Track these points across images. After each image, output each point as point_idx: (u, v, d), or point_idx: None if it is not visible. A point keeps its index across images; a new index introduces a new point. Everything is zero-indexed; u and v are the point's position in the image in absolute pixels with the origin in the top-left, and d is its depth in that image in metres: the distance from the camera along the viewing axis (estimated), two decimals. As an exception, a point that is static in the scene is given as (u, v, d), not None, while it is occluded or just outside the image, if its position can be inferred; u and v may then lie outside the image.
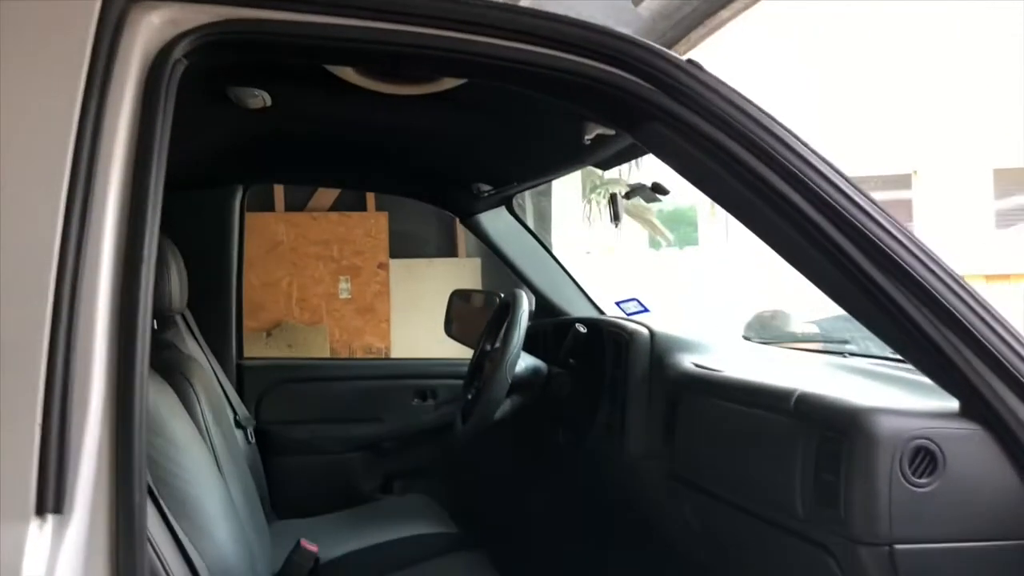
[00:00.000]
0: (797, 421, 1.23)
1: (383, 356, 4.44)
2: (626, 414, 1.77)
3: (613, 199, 2.00)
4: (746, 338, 2.26)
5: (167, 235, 2.02)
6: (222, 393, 2.29)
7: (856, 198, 1.09)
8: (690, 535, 1.70)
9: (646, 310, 2.63)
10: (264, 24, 1.06)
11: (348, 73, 1.44)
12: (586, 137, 1.61)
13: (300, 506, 2.45)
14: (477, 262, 4.52)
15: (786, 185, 1.10)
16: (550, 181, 2.47)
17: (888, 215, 1.10)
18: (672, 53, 1.16)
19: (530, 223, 3.01)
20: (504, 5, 1.14)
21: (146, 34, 1.01)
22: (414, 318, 4.36)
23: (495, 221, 2.57)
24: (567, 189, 4.54)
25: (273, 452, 2.52)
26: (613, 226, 2.03)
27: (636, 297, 2.65)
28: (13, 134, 0.91)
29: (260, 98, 1.75)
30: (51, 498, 0.83)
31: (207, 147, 2.14)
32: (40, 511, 0.82)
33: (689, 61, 1.16)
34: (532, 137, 1.90)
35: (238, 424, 2.32)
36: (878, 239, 1.07)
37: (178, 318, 2.25)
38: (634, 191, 1.92)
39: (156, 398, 1.42)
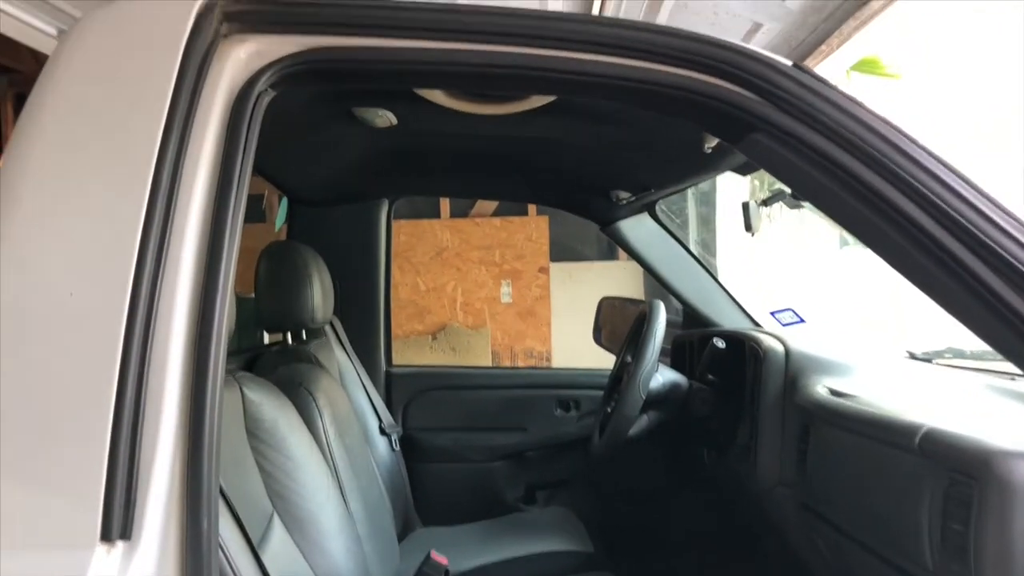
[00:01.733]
0: (924, 460, 1.10)
1: (544, 360, 4.45)
2: (758, 438, 1.66)
3: (746, 207, 1.88)
4: (911, 356, 2.07)
5: (315, 248, 2.10)
6: (367, 401, 2.36)
7: (991, 214, 0.96)
8: (826, 568, 1.57)
9: (802, 320, 2.47)
10: (348, 52, 1.06)
11: (438, 96, 1.43)
12: (706, 146, 1.52)
13: (444, 513, 2.49)
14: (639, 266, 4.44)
15: (907, 201, 0.98)
16: (688, 188, 2.36)
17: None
18: (774, 57, 1.07)
19: (692, 229, 2.92)
20: (590, 18, 1.09)
21: (233, 67, 1.02)
22: (575, 322, 4.34)
23: (636, 228, 2.50)
24: (733, 193, 4.36)
25: (418, 459, 2.57)
26: (749, 235, 1.91)
27: (792, 307, 2.50)
28: (99, 163, 0.95)
29: (385, 117, 1.78)
30: (118, 524, 0.85)
31: (346, 164, 2.20)
32: (106, 537, 0.85)
33: (795, 65, 1.06)
34: (659, 145, 1.82)
35: (382, 431, 2.38)
36: (1018, 260, 0.93)
37: (327, 328, 2.34)
38: (773, 197, 1.80)
39: (276, 414, 1.47)
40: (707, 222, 4.44)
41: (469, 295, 4.50)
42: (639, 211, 2.47)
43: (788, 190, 1.80)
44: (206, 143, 0.98)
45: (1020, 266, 0.93)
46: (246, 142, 1.00)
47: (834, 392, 1.48)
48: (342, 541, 1.51)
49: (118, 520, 0.86)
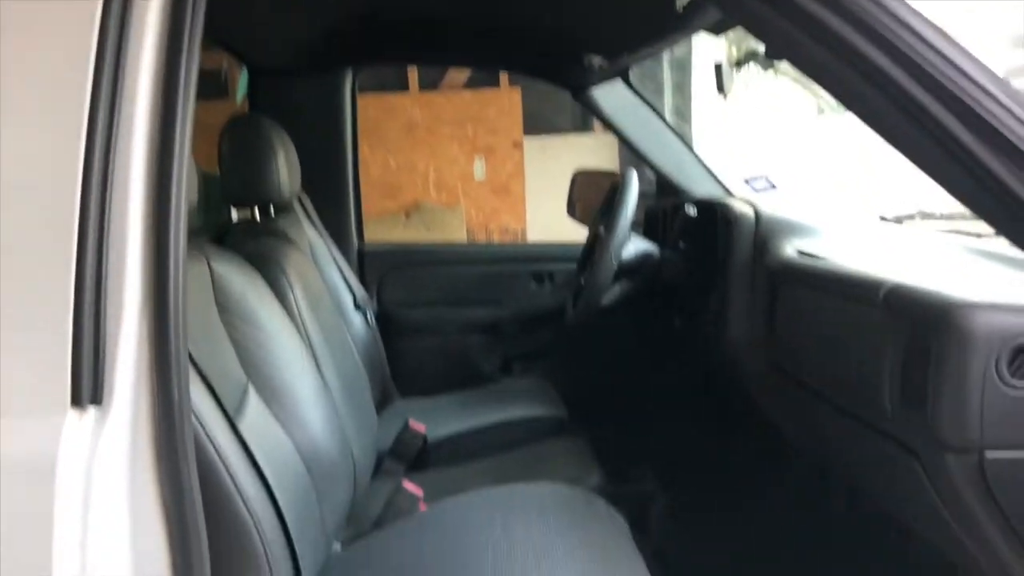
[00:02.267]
0: (888, 315, 1.11)
1: (519, 237, 4.45)
2: (728, 301, 1.68)
3: (719, 69, 1.84)
4: (883, 219, 2.08)
5: (279, 123, 2.05)
6: (339, 277, 2.36)
7: (965, 67, 0.94)
8: (795, 427, 1.62)
9: (774, 187, 2.47)
10: None
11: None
12: (679, 3, 1.47)
13: (422, 385, 2.53)
14: (613, 137, 4.38)
15: (881, 54, 0.95)
16: (663, 50, 2.29)
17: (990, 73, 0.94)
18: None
19: (667, 96, 2.87)
20: None
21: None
22: (549, 197, 4.31)
23: (610, 95, 2.45)
24: (708, 60, 4.26)
25: (395, 334, 2.59)
26: (722, 97, 1.88)
27: (764, 173, 2.49)
28: (39, 33, 0.91)
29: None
30: (88, 389, 0.85)
31: (308, 27, 2.13)
32: (77, 402, 0.85)
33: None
34: (632, 2, 1.77)
35: (357, 306, 2.39)
36: (991, 116, 0.92)
37: (295, 203, 2.31)
38: (747, 57, 1.77)
39: (245, 286, 1.46)
40: (681, 89, 4.37)
41: (442, 172, 4.45)
42: (612, 77, 2.42)
43: (761, 50, 1.76)
44: (152, 3, 0.94)
45: (993, 122, 0.92)
46: (195, 2, 0.95)
47: (803, 253, 1.49)
48: (319, 411, 1.53)
49: (87, 385, 0.86)
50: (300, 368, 1.52)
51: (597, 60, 2.30)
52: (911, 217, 2.05)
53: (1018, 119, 0.90)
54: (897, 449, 1.12)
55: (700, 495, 2.05)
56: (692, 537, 1.90)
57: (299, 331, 1.61)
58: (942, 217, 1.96)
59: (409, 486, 1.63)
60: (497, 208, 4.47)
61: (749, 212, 1.70)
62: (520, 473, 1.81)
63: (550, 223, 4.29)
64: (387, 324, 2.57)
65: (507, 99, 4.41)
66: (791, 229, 1.64)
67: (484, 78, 4.39)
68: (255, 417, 1.36)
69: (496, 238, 4.47)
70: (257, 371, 1.43)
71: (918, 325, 1.06)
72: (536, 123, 4.45)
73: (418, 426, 2.02)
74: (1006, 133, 0.89)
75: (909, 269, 1.24)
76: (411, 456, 2.00)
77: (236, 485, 1.03)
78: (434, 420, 2.12)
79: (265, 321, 1.47)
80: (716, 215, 1.97)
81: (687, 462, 2.14)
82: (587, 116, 4.45)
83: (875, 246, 1.62)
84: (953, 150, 0.93)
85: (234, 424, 1.11)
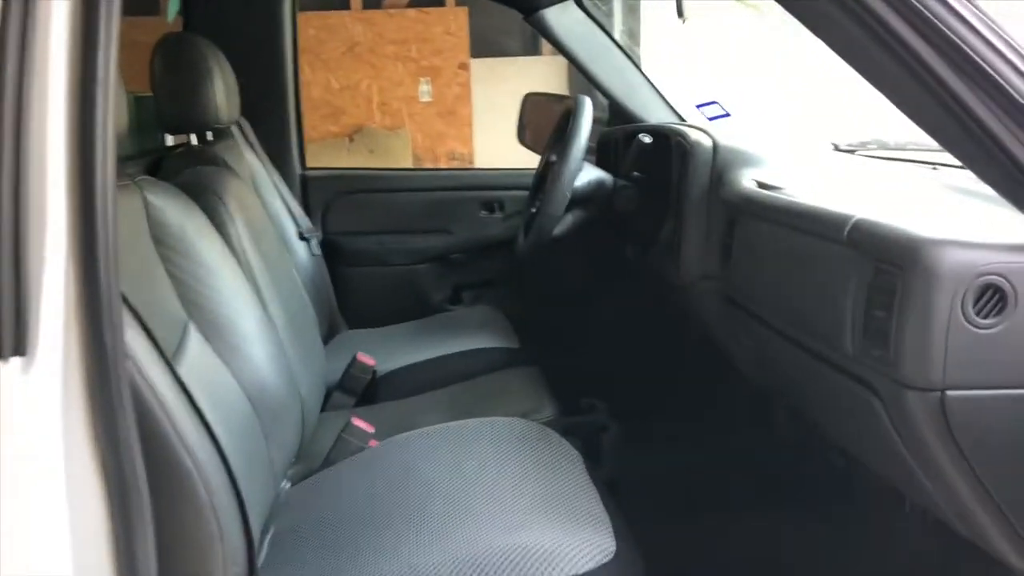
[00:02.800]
0: (851, 251, 1.09)
1: (466, 162, 4.36)
2: (683, 232, 1.65)
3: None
4: (836, 148, 2.06)
5: (214, 43, 1.94)
6: (282, 205, 2.27)
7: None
8: (748, 358, 1.62)
9: (727, 114, 2.43)
10: None
11: None
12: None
13: (371, 316, 2.48)
14: (563, 60, 4.27)
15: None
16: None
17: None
18: None
19: (617, 18, 2.77)
20: None
21: None
22: (497, 121, 4.21)
23: (562, 17, 2.36)
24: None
25: (341, 263, 2.52)
26: (681, 21, 1.82)
27: (717, 100, 2.45)
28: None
29: None
30: (8, 340, 0.79)
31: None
32: (-2, 353, 0.79)
33: None
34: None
35: (301, 236, 2.31)
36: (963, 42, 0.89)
37: (233, 129, 2.20)
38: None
39: (182, 219, 1.38)
40: (633, 10, 4.26)
41: (385, 94, 4.30)
42: (564, -1, 2.33)
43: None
44: None
45: (966, 48, 0.89)
46: None
47: (761, 185, 1.46)
48: (264, 346, 1.47)
49: (8, 335, 0.79)
50: (243, 303, 1.46)
51: (550, -22, 2.21)
52: (865, 146, 2.03)
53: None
54: (856, 386, 1.11)
55: (652, 425, 2.06)
56: (645, 466, 1.91)
57: (241, 265, 1.54)
58: (897, 147, 1.95)
59: (359, 422, 1.59)
60: (443, 132, 4.35)
61: (706, 142, 1.66)
62: (472, 406, 1.78)
63: (498, 148, 4.20)
64: (332, 253, 2.50)
65: (453, 19, 4.25)
66: (748, 160, 1.60)
67: (429, -2, 4.24)
68: (196, 357, 1.31)
69: (443, 163, 4.36)
70: (197, 308, 1.37)
71: (882, 262, 1.04)
72: (483, 45, 4.31)
73: (367, 359, 1.97)
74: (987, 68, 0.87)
75: (870, 204, 1.21)
76: (360, 390, 1.96)
77: (177, 432, 0.98)
78: (383, 353, 2.07)
79: (205, 255, 1.40)
80: (671, 144, 1.93)
81: (640, 392, 2.14)
82: (536, 39, 4.33)
83: (834, 178, 1.60)
84: (924, 79, 0.90)
85: (173, 367, 1.04)
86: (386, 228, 2.59)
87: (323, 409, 1.90)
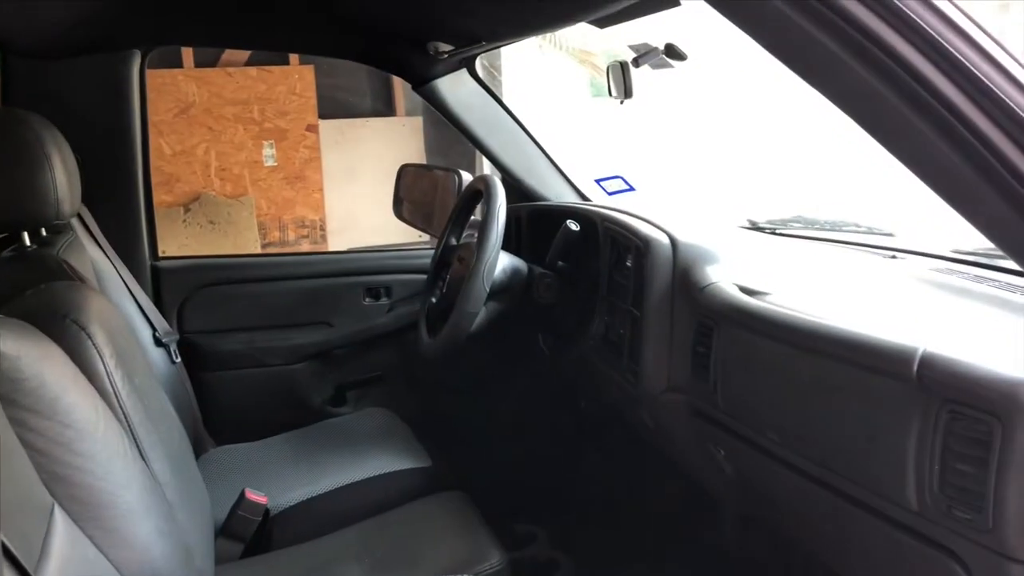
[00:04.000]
0: (915, 389, 0.92)
1: (317, 229, 4.02)
2: (642, 338, 1.45)
3: (623, 68, 1.60)
4: (753, 225, 1.94)
5: (51, 117, 1.58)
6: (134, 306, 1.90)
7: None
8: (721, 479, 1.43)
9: (631, 189, 2.29)
10: None
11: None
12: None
13: (241, 428, 2.12)
14: (418, 121, 4.05)
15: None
16: (529, 38, 2.02)
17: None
18: None
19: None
20: None
21: None
22: (350, 185, 3.92)
23: (455, 87, 2.15)
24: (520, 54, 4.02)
25: (203, 368, 2.16)
26: (619, 102, 1.64)
27: (620, 175, 2.31)
28: None
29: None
30: None
31: (92, 5, 1.65)
32: None
33: None
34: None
35: (158, 342, 1.94)
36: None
37: (74, 221, 1.83)
38: (643, 56, 1.53)
39: (40, 367, 1.04)
40: (492, 77, 4.11)
41: (226, 159, 3.90)
42: (457, 67, 2.12)
43: (659, 48, 1.54)
44: None
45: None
46: None
47: (744, 290, 1.29)
48: (151, 522, 1.14)
49: None
50: (121, 467, 1.13)
51: (445, 48, 1.99)
52: (786, 224, 1.93)
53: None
54: (926, 548, 0.94)
55: (597, 544, 1.83)
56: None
57: (115, 413, 1.20)
58: (826, 226, 1.85)
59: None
60: (291, 199, 4.00)
61: (661, 238, 1.48)
62: (396, 554, 1.49)
63: (352, 214, 3.91)
64: (193, 357, 2.13)
65: (298, 78, 3.93)
66: (709, 256, 1.43)
67: (269, 55, 3.89)
68: (67, 549, 0.97)
69: (292, 233, 4.01)
70: (65, 483, 1.04)
71: (965, 407, 0.87)
72: (332, 105, 4.01)
73: (257, 497, 1.64)
74: None
75: (901, 322, 1.06)
76: (249, 536, 1.62)
77: None
78: (269, 483, 1.74)
79: (73, 411, 1.07)
80: (598, 231, 1.75)
81: (580, 511, 1.91)
82: (389, 98, 4.09)
83: (812, 275, 1.45)
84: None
85: None
86: (255, 324, 2.25)
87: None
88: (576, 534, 1.73)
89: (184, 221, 3.79)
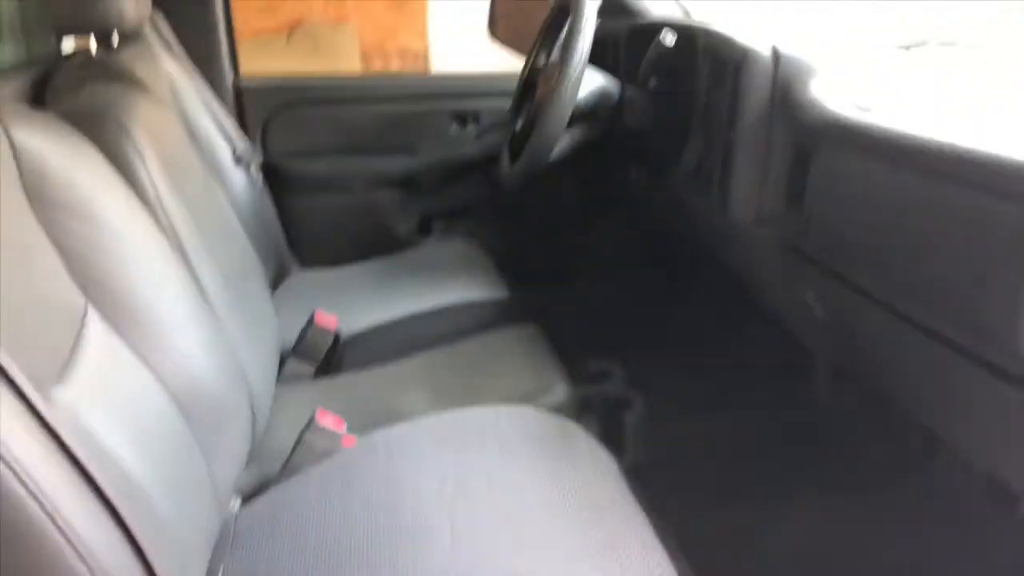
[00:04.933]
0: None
1: (421, 60, 3.88)
2: (732, 165, 1.29)
3: None
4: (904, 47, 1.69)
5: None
6: (212, 123, 1.85)
7: None
8: (813, 325, 1.30)
9: None
10: None
11: None
12: None
13: (324, 253, 2.10)
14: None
15: None
16: None
17: None
18: None
19: None
20: None
21: None
22: (458, 13, 3.72)
23: None
24: None
25: (287, 192, 2.12)
26: None
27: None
28: None
29: None
30: None
31: None
32: None
33: None
34: None
35: (237, 160, 1.90)
36: None
37: (147, 30, 1.76)
38: None
39: (71, 165, 1.00)
40: None
41: (328, -20, 3.76)
42: None
43: None
44: None
45: None
46: None
47: (862, 108, 1.10)
48: (195, 332, 1.11)
49: None
50: (162, 275, 1.09)
51: None
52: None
53: None
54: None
55: (676, 390, 1.74)
56: (672, 444, 1.60)
57: (157, 219, 1.15)
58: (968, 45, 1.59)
59: (326, 420, 1.24)
60: (394, 26, 3.85)
61: (762, 50, 1.29)
62: (462, 381, 1.45)
63: (460, 43, 3.73)
64: (276, 180, 2.09)
65: None
66: (815, 71, 1.24)
67: None
68: (100, 354, 0.95)
69: (395, 62, 3.88)
70: (99, 286, 0.99)
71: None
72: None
73: (327, 320, 1.61)
74: None
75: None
76: (320, 357, 1.60)
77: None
78: (345, 307, 1.71)
79: (106, 212, 1.02)
80: (698, 47, 1.55)
81: (661, 352, 1.81)
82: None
83: (943, 92, 1.24)
84: None
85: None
86: (339, 147, 2.18)
87: (277, 380, 1.55)
88: (654, 375, 1.64)
89: (286, 48, 3.71)
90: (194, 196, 1.29)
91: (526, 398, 1.33)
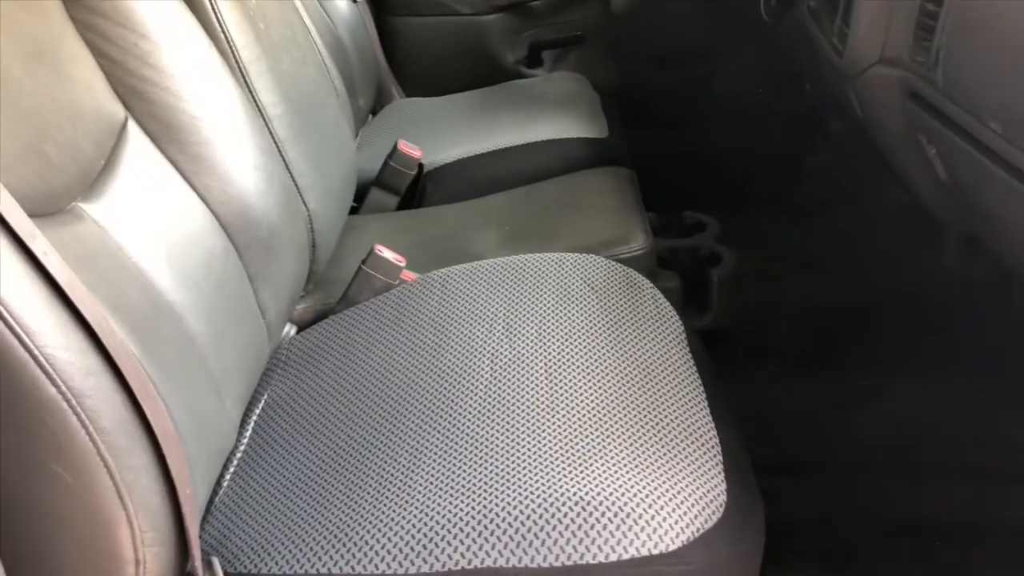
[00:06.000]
0: None
1: None
2: (854, 4, 1.10)
3: None
4: None
5: None
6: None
7: None
8: (936, 186, 1.13)
9: None
10: None
11: None
12: None
13: (430, 81, 2.02)
14: None
15: None
16: None
17: None
18: None
19: None
20: None
21: None
22: None
23: None
24: None
25: (390, 11, 2.02)
26: None
27: None
28: None
29: None
30: None
31: None
32: None
33: None
34: None
35: (336, -24, 1.81)
36: None
37: None
38: None
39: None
40: None
41: None
42: None
43: None
44: None
45: None
46: None
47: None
48: (249, 152, 1.05)
49: None
50: (214, 94, 1.03)
51: None
52: None
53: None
54: None
55: (775, 248, 1.59)
56: (763, 307, 1.48)
57: (216, 39, 1.09)
58: None
59: (384, 251, 1.19)
60: None
61: None
62: (540, 223, 1.36)
63: None
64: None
65: None
66: None
67: None
68: (137, 171, 0.92)
69: None
70: (142, 101, 0.95)
71: None
72: None
73: (411, 150, 1.54)
74: None
75: None
76: (403, 188, 1.55)
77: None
78: (435, 138, 1.64)
79: (150, 21, 0.96)
80: None
81: (758, 203, 1.65)
82: None
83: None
84: None
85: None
86: None
87: (360, 210, 1.52)
88: (754, 234, 1.50)
89: None
90: (260, 9, 1.21)
91: (603, 246, 1.24)
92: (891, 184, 1.40)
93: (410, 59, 2.05)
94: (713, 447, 0.84)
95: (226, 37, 1.10)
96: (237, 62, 1.11)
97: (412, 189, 1.57)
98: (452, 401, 0.92)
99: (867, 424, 1.29)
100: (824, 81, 1.48)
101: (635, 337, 1.01)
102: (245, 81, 1.11)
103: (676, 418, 0.87)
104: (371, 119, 1.87)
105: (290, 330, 1.18)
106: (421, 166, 1.56)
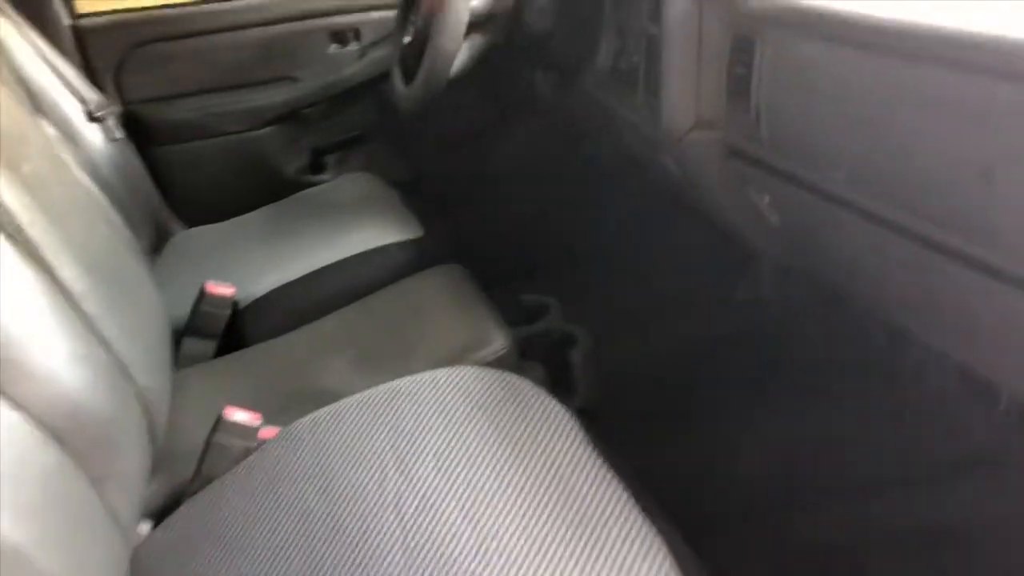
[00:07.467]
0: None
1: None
2: (662, 69, 1.13)
3: None
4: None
5: None
6: (53, 77, 1.60)
7: None
8: (763, 229, 1.18)
9: None
10: None
11: None
12: None
13: (211, 207, 1.88)
14: None
15: None
16: None
17: None
18: None
19: None
20: None
21: None
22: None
23: None
24: None
25: (154, 142, 1.88)
26: None
27: None
28: None
29: None
30: None
31: None
32: None
33: None
34: None
35: (92, 116, 1.65)
36: None
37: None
38: None
39: None
40: None
41: None
42: None
43: None
44: None
45: None
46: None
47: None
48: (59, 340, 0.91)
49: None
50: (9, 285, 0.88)
51: None
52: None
53: None
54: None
55: (629, 317, 1.61)
56: (619, 375, 1.49)
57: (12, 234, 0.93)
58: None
59: (235, 415, 1.07)
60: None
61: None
62: (386, 340, 1.29)
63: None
64: (140, 131, 1.84)
65: None
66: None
67: None
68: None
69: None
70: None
71: None
72: None
73: (221, 289, 1.41)
74: None
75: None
76: (219, 331, 1.42)
77: None
78: (241, 270, 1.52)
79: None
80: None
81: (597, 276, 1.67)
82: None
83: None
84: None
85: None
86: (208, 85, 1.94)
87: (177, 363, 1.37)
88: (594, 301, 1.51)
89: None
90: (36, 176, 1.06)
91: (463, 352, 1.19)
92: (689, 221, 1.46)
93: (186, 188, 1.90)
94: (657, 545, 0.81)
95: (11, 220, 0.95)
96: (27, 243, 0.96)
97: (227, 330, 1.44)
98: (365, 572, 0.83)
99: (756, 463, 1.32)
100: (618, 145, 1.53)
101: (537, 448, 0.96)
102: (40, 262, 0.96)
103: (613, 528, 0.83)
104: (156, 258, 1.71)
105: (145, 526, 1.02)
106: (235, 304, 1.43)
